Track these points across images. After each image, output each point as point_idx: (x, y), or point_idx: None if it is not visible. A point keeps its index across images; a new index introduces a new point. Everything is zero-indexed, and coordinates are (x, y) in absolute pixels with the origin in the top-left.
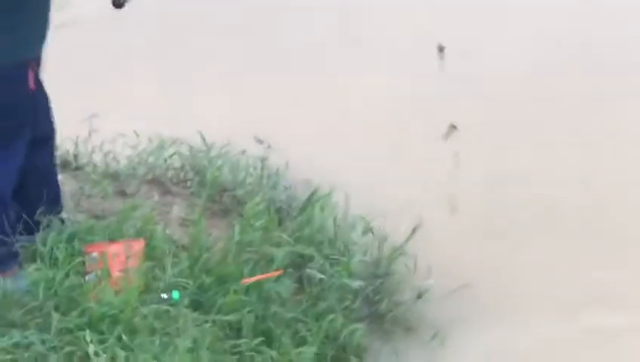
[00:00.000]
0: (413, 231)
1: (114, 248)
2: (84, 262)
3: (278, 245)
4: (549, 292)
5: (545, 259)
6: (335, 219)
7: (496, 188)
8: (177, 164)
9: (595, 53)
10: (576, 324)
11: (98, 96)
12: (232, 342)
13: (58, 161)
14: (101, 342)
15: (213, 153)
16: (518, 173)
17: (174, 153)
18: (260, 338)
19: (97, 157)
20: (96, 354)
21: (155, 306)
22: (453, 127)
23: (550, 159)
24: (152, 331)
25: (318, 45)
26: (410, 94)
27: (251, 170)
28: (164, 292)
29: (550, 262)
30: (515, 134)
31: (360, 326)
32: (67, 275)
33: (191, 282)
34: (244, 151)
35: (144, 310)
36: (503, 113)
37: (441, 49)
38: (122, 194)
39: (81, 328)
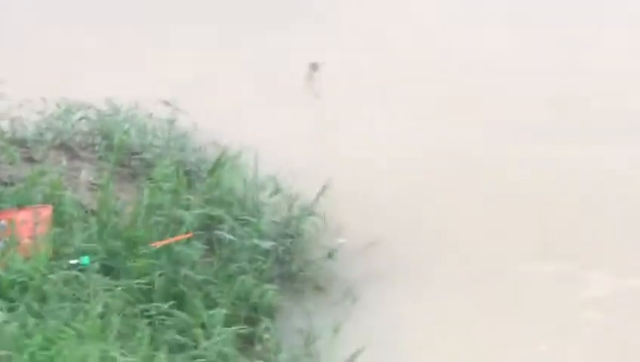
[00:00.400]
0: (323, 190)
1: (22, 215)
2: None
3: (188, 208)
4: (465, 248)
5: (458, 215)
6: (245, 180)
7: (408, 148)
8: (85, 129)
9: None
10: (490, 279)
11: (3, 63)
12: (143, 306)
13: None
14: (10, 309)
15: (120, 117)
16: (436, 135)
17: (82, 118)
18: (171, 302)
19: (4, 124)
20: (6, 321)
21: (64, 272)
22: (314, 66)
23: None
24: (62, 297)
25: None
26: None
27: (159, 132)
28: (73, 258)
29: (465, 217)
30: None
31: (271, 286)
32: None
33: (100, 247)
34: (151, 115)
35: (53, 276)
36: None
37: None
38: (30, 160)
39: None
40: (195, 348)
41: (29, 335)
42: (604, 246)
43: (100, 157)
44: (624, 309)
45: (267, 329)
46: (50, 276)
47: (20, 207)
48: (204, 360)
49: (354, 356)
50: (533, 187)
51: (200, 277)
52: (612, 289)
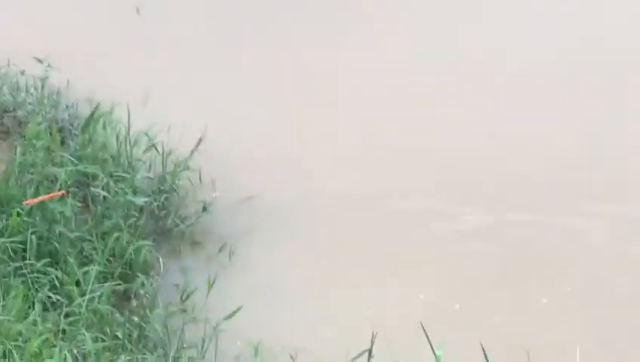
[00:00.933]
0: (197, 144)
1: None
2: None
3: (61, 165)
4: (341, 202)
5: (335, 169)
6: (118, 136)
7: (286, 104)
8: None
9: None
10: (367, 229)
11: None
12: (17, 264)
13: None
14: None
15: None
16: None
17: None
18: (45, 260)
19: None
20: None
21: None
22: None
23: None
24: None
25: None
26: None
27: (32, 90)
28: None
29: (340, 172)
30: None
31: (146, 242)
32: None
33: None
34: (23, 72)
35: None
36: None
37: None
38: None
39: None
40: (69, 305)
41: None
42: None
43: None
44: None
45: (142, 285)
46: None
47: None
48: (78, 316)
49: (230, 314)
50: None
51: (74, 235)
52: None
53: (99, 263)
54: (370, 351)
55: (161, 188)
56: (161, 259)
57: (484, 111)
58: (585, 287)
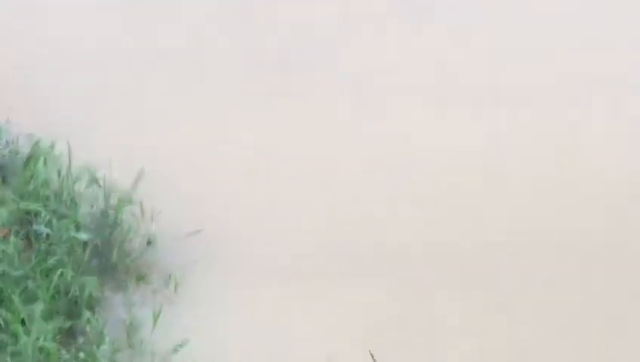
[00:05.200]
0: (138, 177)
1: None
2: None
3: (3, 203)
4: (285, 235)
5: (277, 201)
6: (59, 172)
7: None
8: None
9: None
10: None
11: None
12: None
13: None
14: None
15: None
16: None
17: None
18: None
19: None
20: None
21: None
22: None
23: None
24: None
25: None
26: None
27: None
28: None
29: (284, 204)
30: None
31: (91, 278)
32: None
33: None
34: None
35: None
36: None
37: None
38: None
39: None
40: (15, 344)
41: None
42: None
43: None
44: None
45: (88, 321)
46: None
47: None
48: (23, 356)
49: (177, 347)
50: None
51: (17, 273)
52: None
53: (44, 301)
54: None
55: (105, 222)
56: (106, 294)
57: None
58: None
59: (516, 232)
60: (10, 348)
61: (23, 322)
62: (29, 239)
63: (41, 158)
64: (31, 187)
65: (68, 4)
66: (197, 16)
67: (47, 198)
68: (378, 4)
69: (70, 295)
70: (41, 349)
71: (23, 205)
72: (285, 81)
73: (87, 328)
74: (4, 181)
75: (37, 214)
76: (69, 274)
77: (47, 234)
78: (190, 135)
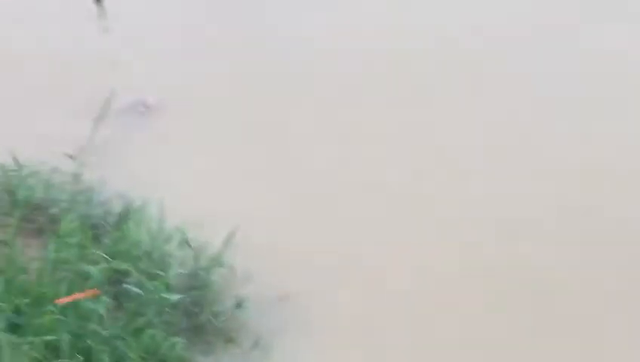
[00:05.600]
0: (229, 239)
1: None
2: None
3: (94, 262)
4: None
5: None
6: (151, 233)
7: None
8: None
9: None
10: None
11: None
12: None
13: None
14: None
15: (24, 172)
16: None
17: None
18: (79, 358)
19: None
20: None
21: None
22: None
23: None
24: None
25: None
26: None
27: (66, 186)
28: None
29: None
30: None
31: (180, 339)
32: None
33: (6, 305)
34: (56, 169)
35: None
36: None
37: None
38: None
39: None
40: None
41: None
42: None
43: (5, 213)
44: None
45: None
46: None
47: None
48: None
49: None
50: None
51: (107, 332)
52: None
53: (133, 361)
54: None
55: (195, 284)
56: (195, 356)
57: None
58: None
59: None
60: None
61: None
62: (120, 299)
63: (133, 218)
64: (122, 246)
65: None
66: None
67: (138, 258)
68: None
69: (159, 355)
70: None
71: (114, 264)
72: None
73: None
74: (96, 240)
75: (128, 274)
76: (159, 334)
77: (138, 294)
78: (282, 198)
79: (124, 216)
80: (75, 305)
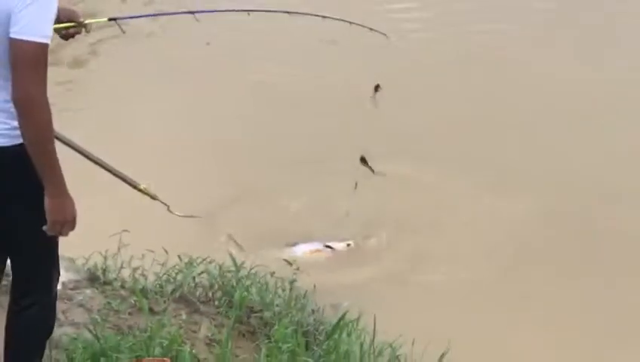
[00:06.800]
0: (441, 358)
1: None
2: None
3: None
4: None
5: None
6: (362, 345)
7: None
8: (206, 283)
9: None
10: None
11: (127, 211)
12: None
13: (86, 275)
14: None
15: (242, 273)
16: None
17: (203, 272)
18: None
19: (126, 273)
20: None
21: None
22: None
23: None
24: None
25: None
26: None
27: (280, 291)
28: None
29: None
30: None
31: None
32: None
33: None
34: (273, 273)
35: None
36: None
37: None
38: (150, 310)
39: None
40: None
41: None
42: None
43: (220, 313)
44: None
45: None
46: None
47: (138, 359)
48: None
49: None
50: None
51: None
52: None
53: None
54: None
55: None
56: None
57: None
58: None
59: None
60: None
61: None
62: None
63: (346, 329)
64: (333, 357)
65: None
66: None
67: None
68: None
69: None
70: None
71: None
72: None
73: None
74: (307, 348)
75: None
76: None
77: None
78: None
79: (337, 326)
80: None
